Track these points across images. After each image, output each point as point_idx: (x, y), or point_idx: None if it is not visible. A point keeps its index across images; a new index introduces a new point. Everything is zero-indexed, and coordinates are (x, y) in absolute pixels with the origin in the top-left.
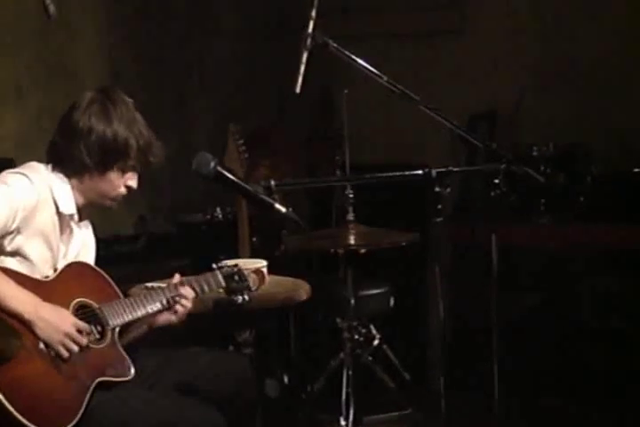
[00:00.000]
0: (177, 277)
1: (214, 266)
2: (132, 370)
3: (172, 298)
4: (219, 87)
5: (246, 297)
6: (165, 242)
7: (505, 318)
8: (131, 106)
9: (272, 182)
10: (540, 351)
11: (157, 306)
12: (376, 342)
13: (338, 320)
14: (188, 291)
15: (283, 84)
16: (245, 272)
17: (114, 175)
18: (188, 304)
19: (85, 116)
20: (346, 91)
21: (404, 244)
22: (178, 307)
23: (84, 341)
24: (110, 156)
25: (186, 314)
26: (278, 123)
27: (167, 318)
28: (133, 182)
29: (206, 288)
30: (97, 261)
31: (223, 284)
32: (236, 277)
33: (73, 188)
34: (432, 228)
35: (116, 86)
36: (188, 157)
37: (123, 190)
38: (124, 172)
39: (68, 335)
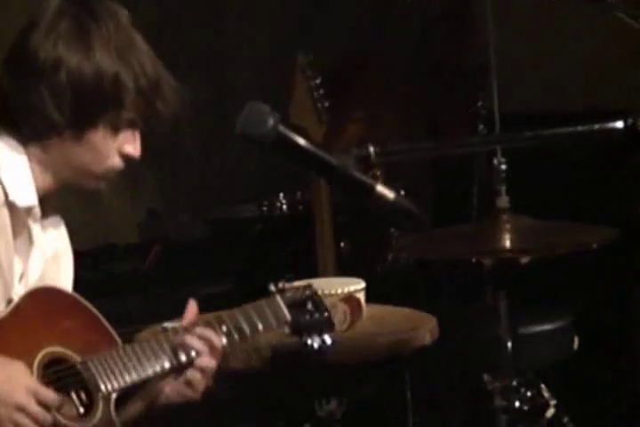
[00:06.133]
0: (191, 307)
1: (272, 288)
2: None
3: (179, 353)
4: None
5: (327, 339)
6: (192, 253)
7: None
8: (125, 21)
9: (371, 149)
10: None
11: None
12: (551, 413)
13: (486, 378)
14: (198, 340)
15: None
16: (326, 300)
17: (99, 137)
18: (210, 364)
19: (49, 40)
20: None
21: (594, 247)
22: (190, 374)
23: (48, 418)
24: (92, 105)
25: (209, 381)
26: (377, 50)
27: (179, 390)
28: (133, 147)
29: (259, 326)
30: (80, 287)
31: (288, 317)
32: (309, 306)
33: (32, 162)
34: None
35: None
36: (227, 110)
37: (116, 161)
38: (115, 130)
39: (21, 410)
